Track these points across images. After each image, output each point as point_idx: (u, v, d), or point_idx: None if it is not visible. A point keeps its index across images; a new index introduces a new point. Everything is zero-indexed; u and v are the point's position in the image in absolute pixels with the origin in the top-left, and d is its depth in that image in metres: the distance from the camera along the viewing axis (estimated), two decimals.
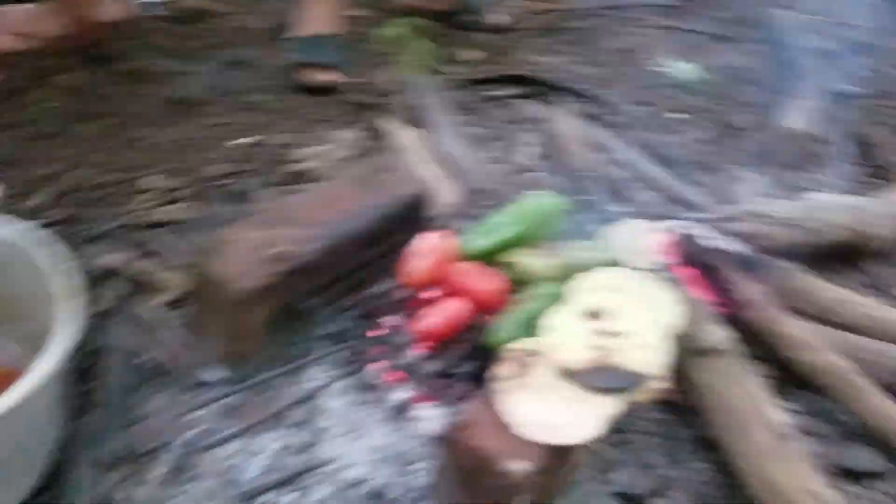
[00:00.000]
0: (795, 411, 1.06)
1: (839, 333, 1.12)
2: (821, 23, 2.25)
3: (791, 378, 1.07)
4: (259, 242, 0.92)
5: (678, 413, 1.02)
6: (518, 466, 0.74)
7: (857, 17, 2.33)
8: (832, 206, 1.33)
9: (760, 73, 1.93)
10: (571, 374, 0.80)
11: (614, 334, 0.85)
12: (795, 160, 1.59)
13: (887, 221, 1.33)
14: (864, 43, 2.16)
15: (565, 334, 0.85)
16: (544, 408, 0.78)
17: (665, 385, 0.85)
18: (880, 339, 1.12)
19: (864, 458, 1.00)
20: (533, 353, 0.83)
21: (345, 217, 0.99)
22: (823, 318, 1.16)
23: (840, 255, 1.34)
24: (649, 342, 0.85)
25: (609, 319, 0.87)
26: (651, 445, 0.99)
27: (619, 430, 0.99)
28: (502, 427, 0.77)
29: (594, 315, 0.87)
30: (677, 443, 0.99)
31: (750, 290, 1.10)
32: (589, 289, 0.92)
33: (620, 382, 0.80)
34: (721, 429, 0.96)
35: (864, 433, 1.01)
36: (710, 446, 0.97)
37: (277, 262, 0.91)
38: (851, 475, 0.98)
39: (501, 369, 0.82)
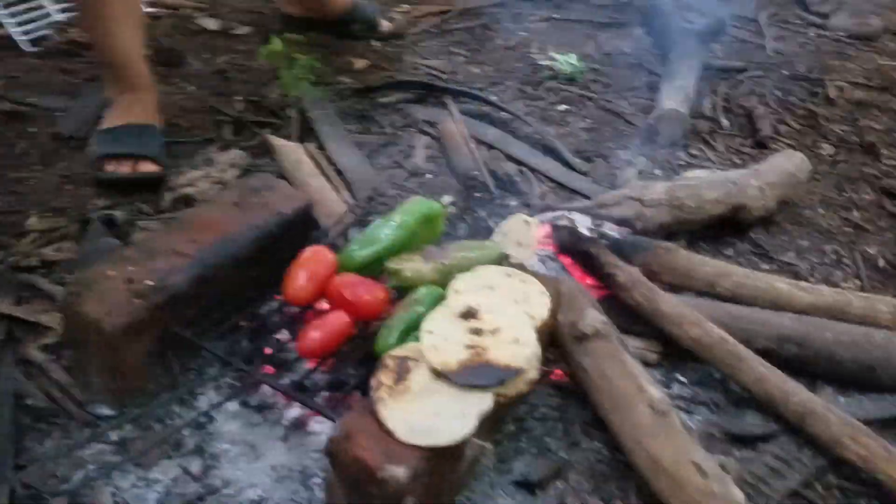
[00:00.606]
0: (684, 383, 1.11)
1: (721, 305, 1.17)
2: (700, 2, 2.35)
3: (677, 352, 1.11)
4: (127, 278, 0.91)
5: (572, 397, 1.06)
6: (398, 472, 0.75)
7: None
8: (705, 183, 1.38)
9: (641, 57, 2.01)
10: (446, 375, 0.82)
11: (487, 332, 0.87)
12: (677, 139, 1.65)
13: (756, 193, 1.39)
14: (743, 18, 2.29)
15: (442, 336, 0.86)
16: (422, 411, 0.80)
17: (536, 376, 0.87)
18: (762, 308, 1.17)
19: (753, 423, 1.05)
20: (412, 358, 0.85)
21: (219, 241, 0.99)
22: (705, 291, 1.22)
23: (726, 228, 1.40)
24: (519, 336, 0.87)
25: (482, 318, 0.89)
26: (549, 430, 1.02)
27: (519, 419, 1.03)
28: (382, 435, 0.78)
29: (469, 315, 0.89)
30: (573, 426, 1.03)
31: (626, 272, 1.15)
32: (464, 289, 0.95)
33: (492, 378, 0.82)
34: (607, 409, 0.99)
35: (752, 399, 1.06)
36: (601, 426, 1.01)
37: (147, 295, 0.90)
38: (742, 440, 1.03)
39: (380, 377, 0.83)
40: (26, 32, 1.73)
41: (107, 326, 0.86)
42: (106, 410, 0.96)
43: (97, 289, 0.90)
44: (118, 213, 1.29)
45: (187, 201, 1.32)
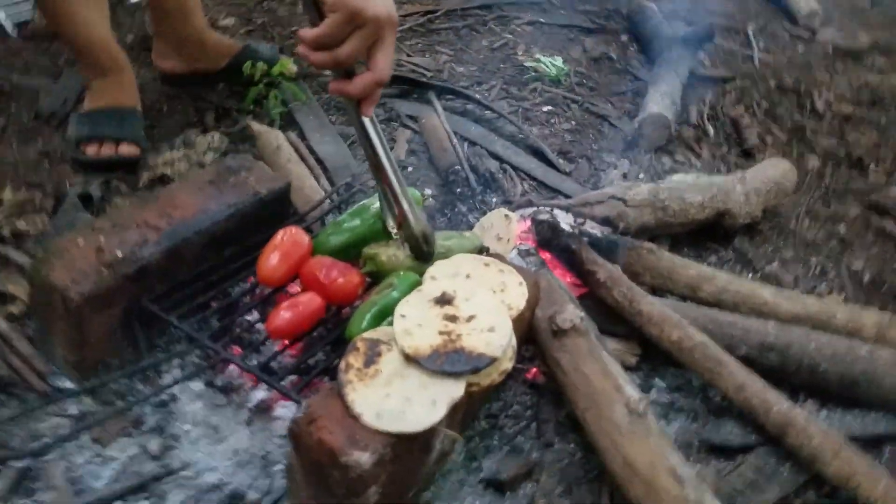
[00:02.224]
0: (663, 389, 1.09)
1: (703, 310, 1.15)
2: (687, 11, 2.37)
3: (656, 355, 1.09)
4: (97, 247, 0.89)
5: (547, 395, 1.04)
6: (362, 458, 0.72)
7: (724, 3, 2.48)
8: (690, 187, 1.37)
9: (627, 63, 2.01)
10: (417, 361, 0.80)
11: (461, 319, 0.85)
12: (661, 144, 1.65)
13: (741, 199, 1.38)
14: (729, 28, 2.30)
15: (415, 321, 0.85)
16: (391, 397, 0.78)
17: (509, 367, 0.85)
18: (745, 315, 1.14)
19: (731, 432, 1.02)
20: (383, 342, 0.83)
21: (192, 217, 0.97)
22: (687, 295, 1.20)
23: (710, 234, 1.39)
24: (495, 325, 0.85)
25: (457, 305, 0.87)
26: (521, 429, 1.00)
27: (492, 416, 1.01)
28: (348, 419, 0.75)
29: (444, 301, 0.87)
30: (545, 425, 1.01)
31: (607, 270, 1.13)
32: (440, 276, 0.93)
33: (464, 366, 0.80)
34: (582, 408, 0.96)
35: (731, 408, 1.03)
36: (575, 426, 0.99)
37: (115, 266, 0.88)
38: (720, 450, 1.00)
39: (350, 359, 0.81)
40: (10, 16, 1.71)
41: (72, 294, 0.84)
42: (67, 383, 0.94)
43: (66, 257, 0.88)
44: (94, 190, 1.27)
45: (163, 181, 1.30)
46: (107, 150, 1.33)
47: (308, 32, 0.80)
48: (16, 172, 1.32)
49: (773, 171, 1.48)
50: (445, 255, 0.99)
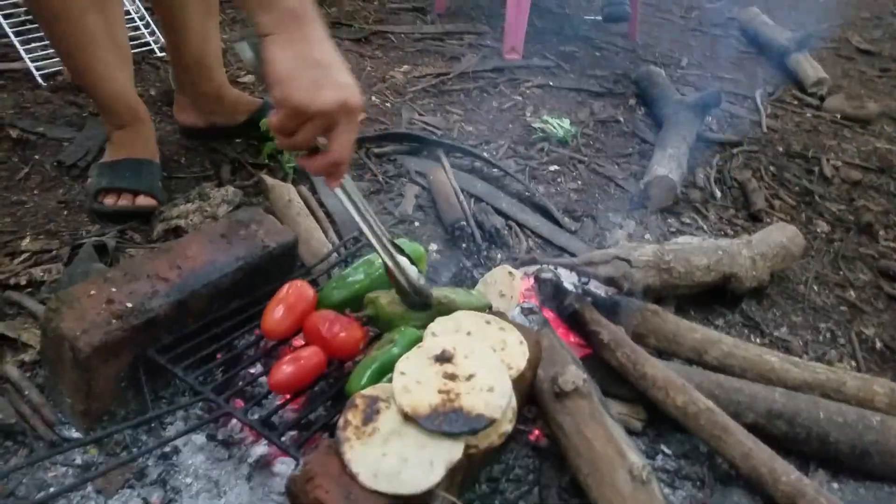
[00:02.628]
0: (668, 455, 1.07)
1: (709, 374, 1.14)
2: (696, 76, 2.43)
3: (661, 420, 1.08)
4: (107, 298, 0.91)
5: (549, 459, 1.03)
6: None
7: (732, 71, 2.54)
8: (696, 249, 1.37)
9: (634, 126, 2.06)
10: (415, 419, 0.80)
11: (461, 378, 0.85)
12: (667, 205, 1.67)
13: (747, 262, 1.38)
14: (737, 94, 2.35)
15: (414, 378, 0.85)
16: (388, 456, 0.77)
17: (509, 428, 0.85)
18: (752, 381, 1.13)
19: (739, 502, 0.99)
20: (382, 399, 0.83)
21: (202, 269, 1.00)
22: (693, 359, 1.19)
23: (716, 296, 1.38)
24: (494, 385, 0.85)
25: (458, 363, 0.87)
26: (522, 494, 0.98)
27: (493, 480, 0.99)
28: (346, 477, 0.75)
29: (444, 358, 0.87)
30: (548, 490, 0.99)
31: (611, 331, 1.13)
32: (441, 332, 0.94)
33: (463, 426, 0.80)
34: (585, 473, 0.95)
35: (739, 476, 1.01)
36: (578, 492, 0.97)
37: (123, 317, 0.89)
38: None
39: (348, 416, 0.81)
40: (39, 68, 1.79)
41: (81, 345, 0.86)
42: (74, 432, 0.95)
43: (77, 307, 0.90)
44: (109, 240, 1.30)
45: (177, 232, 1.33)
46: (124, 201, 1.37)
47: (271, 119, 0.87)
48: (36, 221, 1.36)
49: (780, 235, 1.49)
50: (449, 308, 1.00)
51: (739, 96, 2.34)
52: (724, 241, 1.44)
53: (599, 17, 2.64)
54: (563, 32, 2.64)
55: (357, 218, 0.94)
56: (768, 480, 0.97)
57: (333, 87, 0.85)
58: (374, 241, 0.95)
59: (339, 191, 0.92)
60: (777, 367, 1.16)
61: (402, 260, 0.97)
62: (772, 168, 1.94)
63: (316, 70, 0.85)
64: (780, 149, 2.04)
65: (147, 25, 2.04)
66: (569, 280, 1.28)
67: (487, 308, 1.08)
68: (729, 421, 1.02)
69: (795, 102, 2.39)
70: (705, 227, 1.66)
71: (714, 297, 1.40)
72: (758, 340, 1.34)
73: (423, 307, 1.00)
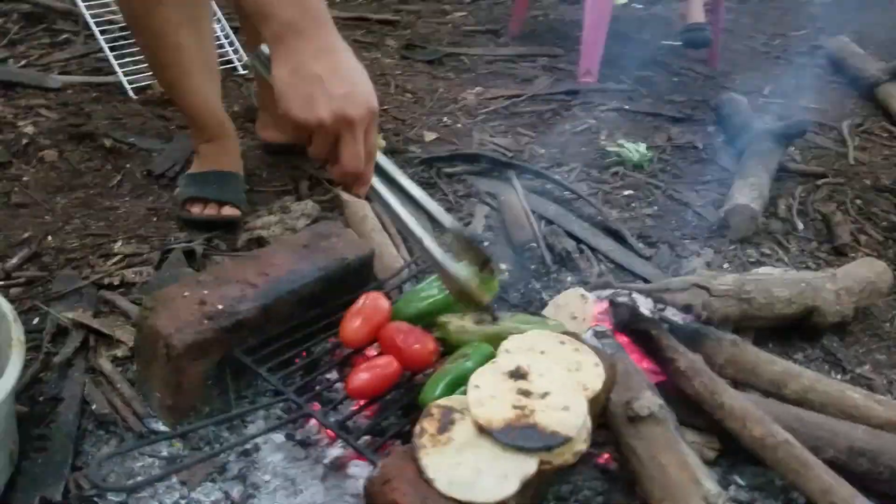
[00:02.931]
0: (742, 486, 1.04)
1: (788, 407, 1.11)
2: (779, 105, 2.37)
3: (736, 451, 1.05)
4: (200, 300, 0.96)
5: (619, 482, 1.01)
6: None
7: (818, 101, 2.46)
8: (778, 281, 1.33)
9: (713, 153, 2.02)
10: (491, 432, 0.81)
11: (535, 395, 0.86)
12: (747, 235, 1.63)
13: (831, 296, 1.34)
14: (823, 125, 2.28)
15: (489, 392, 0.86)
16: (463, 465, 0.79)
17: (584, 448, 0.85)
18: (833, 417, 1.09)
19: None
20: (457, 410, 0.84)
21: (286, 276, 1.04)
22: (771, 391, 1.16)
23: (796, 330, 1.34)
24: (569, 404, 0.86)
25: (533, 380, 0.88)
26: None
27: (561, 499, 0.99)
28: (421, 482, 0.77)
29: (518, 375, 0.88)
30: None
31: (688, 359, 1.11)
32: (517, 349, 0.94)
33: (538, 442, 0.81)
34: (657, 499, 0.93)
35: None
36: None
37: (214, 318, 0.94)
38: None
39: (424, 424, 0.83)
40: (131, 82, 1.91)
41: (175, 342, 0.91)
42: (161, 426, 1.00)
43: (171, 307, 0.95)
44: (197, 247, 1.37)
45: (260, 242, 1.39)
46: (210, 211, 1.44)
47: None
48: (127, 226, 1.44)
49: (866, 270, 1.43)
50: (519, 330, 1.01)
51: (825, 127, 2.26)
52: (808, 274, 1.40)
53: (678, 43, 2.61)
54: (640, 57, 2.62)
55: (403, 217, 0.95)
56: None
57: (327, 101, 0.84)
58: (417, 238, 0.96)
59: (376, 195, 0.94)
60: (860, 405, 1.11)
61: (452, 264, 0.98)
62: (858, 202, 1.87)
63: (311, 84, 0.84)
64: (868, 182, 1.96)
65: (231, 44, 2.16)
66: (644, 306, 1.26)
67: (555, 329, 1.08)
68: (808, 455, 0.99)
69: (885, 135, 2.29)
70: (786, 259, 1.61)
71: (794, 331, 1.35)
72: (839, 377, 1.29)
73: (480, 304, 1.00)
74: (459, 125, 2.02)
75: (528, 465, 0.80)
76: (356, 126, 0.87)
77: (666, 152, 1.99)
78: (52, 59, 2.00)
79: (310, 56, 0.86)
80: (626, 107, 2.22)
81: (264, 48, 0.93)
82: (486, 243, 1.02)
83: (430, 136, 1.94)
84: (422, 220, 0.98)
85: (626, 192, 1.78)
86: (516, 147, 1.93)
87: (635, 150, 1.89)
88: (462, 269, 0.99)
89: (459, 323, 1.01)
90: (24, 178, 1.52)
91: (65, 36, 2.13)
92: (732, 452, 1.06)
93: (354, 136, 0.88)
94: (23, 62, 1.96)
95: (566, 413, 0.84)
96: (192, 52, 1.34)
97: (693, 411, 1.08)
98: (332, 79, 0.85)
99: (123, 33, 1.95)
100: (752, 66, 2.72)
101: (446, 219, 1.03)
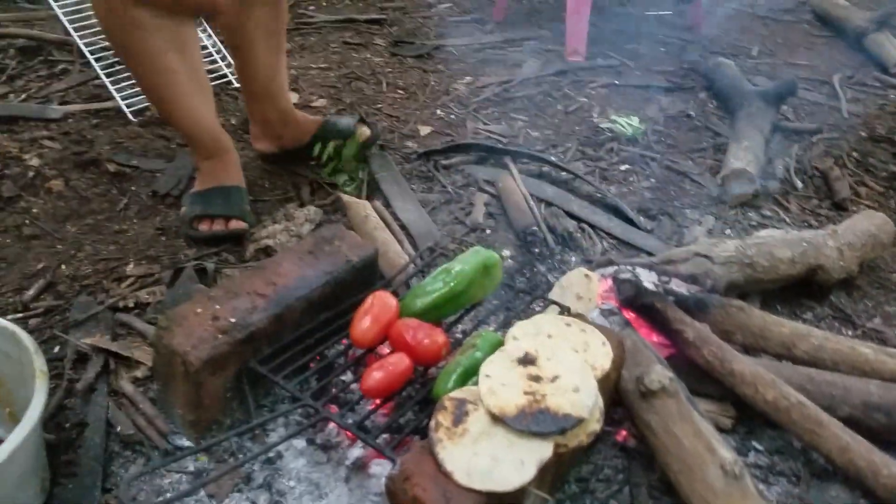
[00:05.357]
0: (761, 451, 1.06)
1: (800, 368, 1.11)
2: (768, 65, 2.36)
3: (751, 417, 1.06)
4: (212, 315, 0.98)
5: (637, 458, 1.03)
6: None
7: (807, 57, 2.45)
8: (779, 242, 1.34)
9: (706, 120, 2.01)
10: (504, 420, 0.83)
11: (545, 379, 0.88)
12: (746, 199, 1.64)
13: (834, 253, 1.34)
14: (813, 80, 2.27)
15: (500, 381, 0.87)
16: (480, 455, 0.80)
17: (598, 427, 0.86)
18: (845, 374, 1.10)
19: (837, 497, 0.97)
20: (470, 401, 0.86)
21: (295, 284, 1.06)
22: (782, 354, 1.17)
23: (803, 290, 1.35)
24: (580, 385, 0.87)
25: (542, 365, 0.90)
26: (613, 493, 1.00)
27: (582, 480, 1.01)
28: (441, 476, 0.79)
29: (527, 361, 0.90)
30: (638, 489, 1.00)
31: (696, 329, 1.12)
32: (524, 335, 0.96)
33: (551, 426, 0.82)
34: (675, 471, 0.95)
35: (835, 471, 0.99)
36: (669, 490, 0.98)
37: (228, 332, 0.96)
38: None
39: (439, 418, 0.84)
40: (129, 106, 1.93)
41: (192, 359, 0.93)
42: (185, 441, 1.03)
43: (185, 324, 0.97)
44: (209, 263, 1.39)
45: (268, 251, 1.41)
46: (218, 226, 1.46)
47: None
48: (137, 247, 1.47)
49: (867, 223, 1.44)
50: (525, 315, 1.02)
51: (816, 82, 2.26)
52: (809, 233, 1.40)
53: (662, 13, 2.60)
54: (626, 30, 2.62)
55: None
56: (868, 474, 0.95)
57: None
58: None
59: None
60: (872, 359, 1.12)
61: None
62: (855, 154, 1.86)
63: None
64: (864, 134, 1.96)
65: (224, 58, 2.17)
66: (648, 280, 1.27)
67: (564, 311, 1.09)
68: (822, 414, 1.00)
69: (877, 84, 2.28)
70: (788, 219, 1.61)
71: (801, 290, 1.36)
72: (850, 333, 1.30)
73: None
74: (453, 116, 2.03)
75: (543, 450, 0.81)
76: None
77: (659, 123, 1.99)
78: (51, 90, 2.02)
79: None
80: (616, 82, 2.22)
81: None
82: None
83: (425, 129, 1.95)
84: None
85: (623, 167, 1.79)
86: (510, 133, 1.94)
87: (628, 124, 1.89)
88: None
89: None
90: (34, 210, 1.54)
91: (62, 66, 2.15)
92: (749, 419, 1.08)
93: None
94: (23, 96, 1.98)
95: (577, 394, 0.86)
96: (180, 76, 1.35)
97: (705, 381, 1.10)
98: None
99: (118, 58, 1.97)
100: (738, 28, 2.71)
101: None
